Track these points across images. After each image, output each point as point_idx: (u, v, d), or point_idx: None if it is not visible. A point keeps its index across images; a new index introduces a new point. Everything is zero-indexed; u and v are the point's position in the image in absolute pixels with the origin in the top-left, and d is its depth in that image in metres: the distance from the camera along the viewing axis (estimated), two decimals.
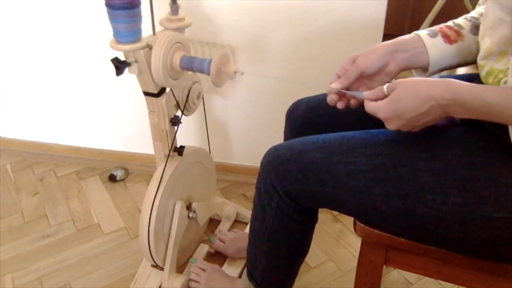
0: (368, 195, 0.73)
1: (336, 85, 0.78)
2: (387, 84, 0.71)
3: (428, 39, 0.77)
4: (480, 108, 0.63)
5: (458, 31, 0.79)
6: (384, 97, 0.71)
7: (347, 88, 0.79)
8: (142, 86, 0.99)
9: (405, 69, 0.80)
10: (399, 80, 0.70)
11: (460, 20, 0.81)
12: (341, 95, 0.80)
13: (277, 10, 1.27)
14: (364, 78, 0.80)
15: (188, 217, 1.19)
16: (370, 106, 0.71)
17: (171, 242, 1.15)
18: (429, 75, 0.80)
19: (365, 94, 0.74)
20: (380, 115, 0.70)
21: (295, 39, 1.31)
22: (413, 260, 0.80)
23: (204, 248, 1.33)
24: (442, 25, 0.80)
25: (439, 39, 0.78)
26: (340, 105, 0.80)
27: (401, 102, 0.67)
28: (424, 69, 0.81)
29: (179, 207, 1.13)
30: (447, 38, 0.78)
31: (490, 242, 0.68)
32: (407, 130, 0.70)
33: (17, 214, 1.51)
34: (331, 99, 0.80)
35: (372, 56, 0.77)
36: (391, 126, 0.70)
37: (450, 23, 0.81)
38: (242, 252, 1.23)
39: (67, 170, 1.73)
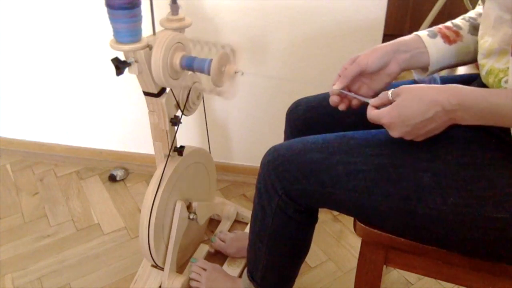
0: (368, 195, 0.73)
1: (337, 86, 0.78)
2: (392, 89, 0.70)
3: (428, 40, 0.78)
4: (486, 112, 0.63)
5: (457, 32, 0.79)
6: (388, 102, 0.71)
7: (348, 87, 0.79)
8: (142, 86, 0.99)
9: (406, 70, 0.80)
10: (404, 86, 0.69)
11: (458, 21, 0.81)
12: (343, 96, 0.80)
13: (277, 10, 1.27)
14: (365, 78, 0.80)
15: (188, 218, 1.19)
16: (373, 114, 0.71)
17: (171, 242, 1.14)
18: (429, 75, 0.80)
19: (371, 101, 0.74)
20: (384, 120, 0.69)
21: (295, 39, 1.31)
22: (413, 260, 0.80)
23: (204, 248, 1.33)
24: (441, 26, 0.80)
25: (439, 40, 0.78)
26: (342, 106, 0.80)
27: (405, 107, 0.67)
28: (423, 69, 0.81)
29: (179, 207, 1.13)
30: (447, 39, 0.78)
31: (490, 242, 0.68)
32: (410, 139, 0.70)
33: (17, 214, 1.51)
34: (332, 100, 0.80)
35: (373, 54, 0.77)
36: (395, 132, 0.69)
37: (448, 23, 0.81)
38: (242, 252, 1.24)
39: (67, 170, 1.73)
